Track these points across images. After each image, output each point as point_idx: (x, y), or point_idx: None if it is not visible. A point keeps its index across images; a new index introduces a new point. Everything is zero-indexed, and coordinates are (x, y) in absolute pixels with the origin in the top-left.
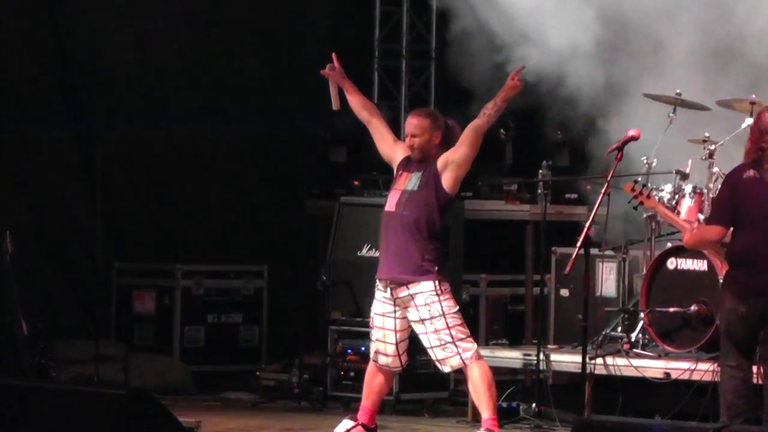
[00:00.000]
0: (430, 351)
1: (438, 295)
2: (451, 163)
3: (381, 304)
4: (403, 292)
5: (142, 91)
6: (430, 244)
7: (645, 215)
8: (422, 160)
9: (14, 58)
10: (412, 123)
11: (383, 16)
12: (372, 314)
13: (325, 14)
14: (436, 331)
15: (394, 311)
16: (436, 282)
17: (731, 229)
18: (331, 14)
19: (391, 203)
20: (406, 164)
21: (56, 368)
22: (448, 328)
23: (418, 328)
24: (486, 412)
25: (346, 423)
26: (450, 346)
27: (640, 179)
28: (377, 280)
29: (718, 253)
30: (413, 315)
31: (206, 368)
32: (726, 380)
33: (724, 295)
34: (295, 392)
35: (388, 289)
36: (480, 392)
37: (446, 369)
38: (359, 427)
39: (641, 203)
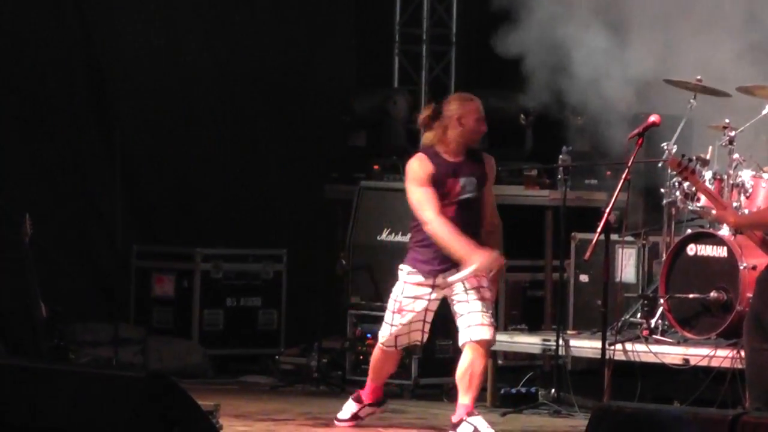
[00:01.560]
0: (474, 315)
1: None
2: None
3: (415, 287)
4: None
5: (162, 74)
6: None
7: (665, 201)
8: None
9: (38, 42)
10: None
11: (404, 1)
12: (401, 298)
13: (348, 3)
14: (484, 299)
15: (430, 294)
16: None
17: None
18: (354, 3)
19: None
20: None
21: (75, 351)
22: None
23: (467, 296)
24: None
25: (351, 405)
26: (490, 316)
27: (685, 155)
28: (421, 268)
29: (755, 235)
30: (459, 288)
31: (225, 352)
32: (764, 362)
33: None
34: (314, 376)
35: (431, 277)
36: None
37: (487, 335)
38: (367, 407)
39: (686, 179)
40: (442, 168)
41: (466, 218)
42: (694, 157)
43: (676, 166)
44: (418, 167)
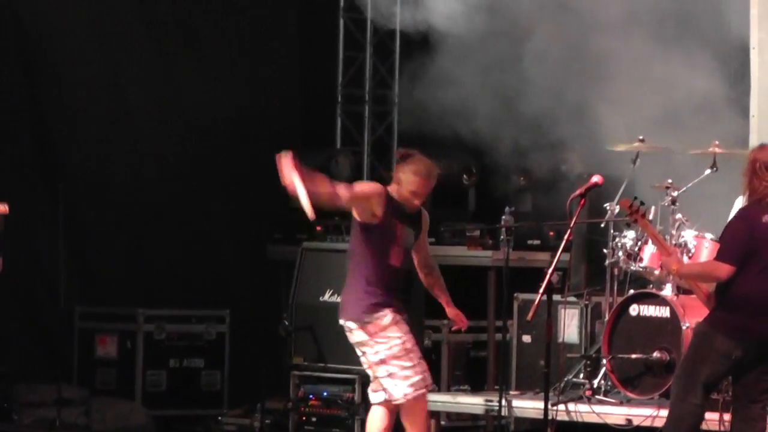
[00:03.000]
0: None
1: None
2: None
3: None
4: None
5: (108, 133)
6: None
7: (608, 261)
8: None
9: None
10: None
11: (346, 61)
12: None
13: (289, 60)
14: None
15: None
16: None
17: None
18: (295, 59)
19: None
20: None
21: (18, 411)
22: None
23: None
24: None
25: None
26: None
27: (637, 197)
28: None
29: (700, 290)
30: None
31: (168, 412)
32: (686, 417)
33: (713, 336)
34: None
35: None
36: None
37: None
38: None
39: (635, 221)
40: (397, 210)
41: (406, 265)
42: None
43: (627, 208)
44: (382, 189)
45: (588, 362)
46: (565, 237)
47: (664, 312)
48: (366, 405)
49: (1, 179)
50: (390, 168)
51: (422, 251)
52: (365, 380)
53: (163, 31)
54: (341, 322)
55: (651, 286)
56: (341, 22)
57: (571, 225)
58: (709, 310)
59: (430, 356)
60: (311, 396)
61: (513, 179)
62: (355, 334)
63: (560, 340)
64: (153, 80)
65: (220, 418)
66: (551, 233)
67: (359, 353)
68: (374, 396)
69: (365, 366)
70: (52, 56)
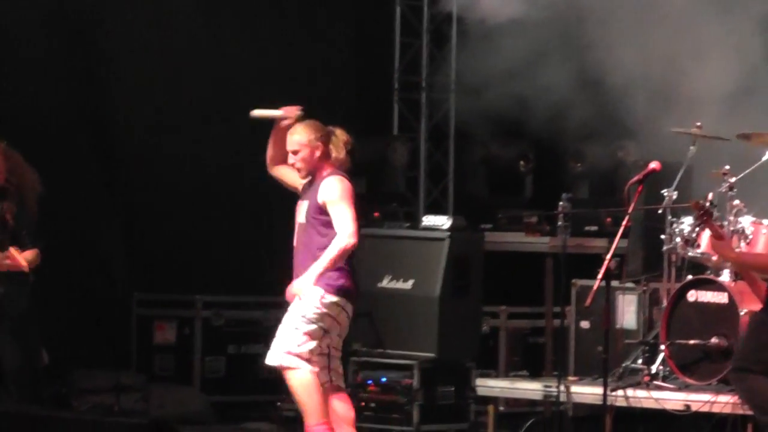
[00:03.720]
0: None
1: None
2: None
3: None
4: None
5: (166, 121)
6: None
7: (665, 247)
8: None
9: (41, 88)
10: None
11: (403, 47)
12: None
13: (345, 46)
14: None
15: None
16: None
17: None
18: (351, 46)
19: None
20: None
21: (76, 398)
22: None
23: None
24: None
25: None
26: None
27: (708, 198)
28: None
29: (754, 281)
30: None
31: (227, 398)
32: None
33: None
34: None
35: None
36: None
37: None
38: None
39: (704, 222)
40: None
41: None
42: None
43: (696, 209)
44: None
45: (646, 348)
46: (623, 223)
47: (721, 298)
48: (425, 391)
49: (57, 167)
50: (447, 155)
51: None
52: (424, 366)
53: (219, 16)
54: None
55: (708, 272)
56: (397, 8)
57: (629, 211)
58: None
59: (488, 342)
60: (370, 382)
61: (570, 165)
62: None
63: (618, 326)
64: (208, 65)
65: (278, 403)
66: (608, 219)
67: None
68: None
69: None
70: (107, 43)
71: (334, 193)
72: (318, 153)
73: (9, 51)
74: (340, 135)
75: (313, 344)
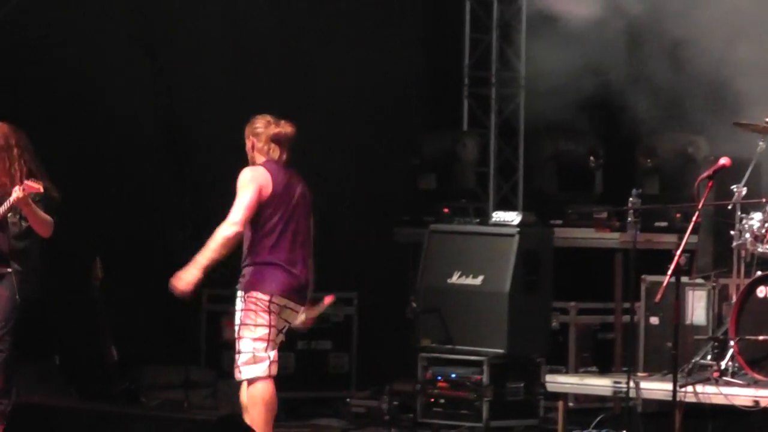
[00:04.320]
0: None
1: None
2: None
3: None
4: None
5: (235, 114)
6: None
7: (735, 243)
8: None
9: (116, 92)
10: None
11: (472, 43)
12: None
13: (415, 42)
14: None
15: None
16: None
17: None
18: (421, 42)
19: None
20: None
21: (146, 394)
22: None
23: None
24: None
25: None
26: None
27: None
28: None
29: None
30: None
31: (296, 395)
32: None
33: None
34: (385, 419)
35: None
36: None
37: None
38: None
39: None
40: None
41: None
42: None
43: None
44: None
45: (715, 344)
46: (693, 219)
47: None
48: (495, 387)
49: (129, 166)
50: (517, 151)
51: None
52: (493, 362)
53: (289, 13)
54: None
55: None
56: (467, 4)
57: (699, 207)
58: None
59: (557, 338)
60: (439, 378)
61: (640, 161)
62: None
63: (688, 321)
64: (278, 64)
65: (348, 400)
66: (678, 215)
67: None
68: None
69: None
70: (180, 44)
71: (239, 182)
72: (249, 145)
73: (92, 62)
74: (264, 128)
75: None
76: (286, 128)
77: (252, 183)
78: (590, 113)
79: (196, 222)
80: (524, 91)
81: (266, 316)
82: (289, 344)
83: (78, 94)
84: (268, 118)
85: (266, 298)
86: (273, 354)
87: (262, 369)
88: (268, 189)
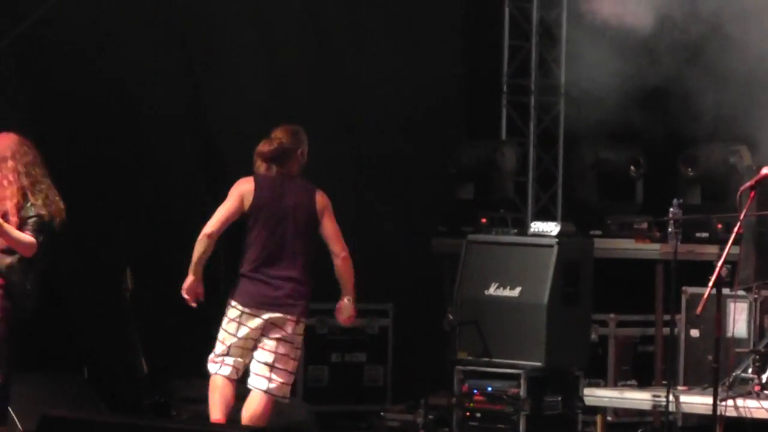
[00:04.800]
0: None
1: None
2: None
3: None
4: None
5: (268, 123)
6: None
7: None
8: None
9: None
10: None
11: (512, 50)
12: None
13: (454, 49)
14: None
15: None
16: None
17: None
18: (460, 49)
19: None
20: None
21: (176, 407)
22: None
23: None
24: None
25: None
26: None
27: None
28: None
29: None
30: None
31: (330, 408)
32: None
33: None
34: None
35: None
36: None
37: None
38: None
39: None
40: None
41: None
42: None
43: None
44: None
45: (757, 357)
46: (735, 230)
47: None
48: (532, 400)
49: (161, 175)
50: (556, 160)
51: None
52: (531, 375)
53: (326, 20)
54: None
55: None
56: (506, 10)
57: (741, 217)
58: None
59: (596, 351)
60: (475, 391)
61: (682, 170)
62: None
63: (729, 334)
64: (312, 72)
65: (382, 413)
66: (720, 226)
67: (289, 344)
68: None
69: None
70: (214, 50)
71: None
72: None
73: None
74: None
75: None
76: (263, 147)
77: (233, 191)
78: (631, 122)
79: (227, 233)
80: (564, 99)
81: (225, 320)
82: (323, 357)
83: (112, 103)
84: (273, 134)
85: (231, 302)
86: (230, 360)
87: (214, 368)
88: (249, 199)
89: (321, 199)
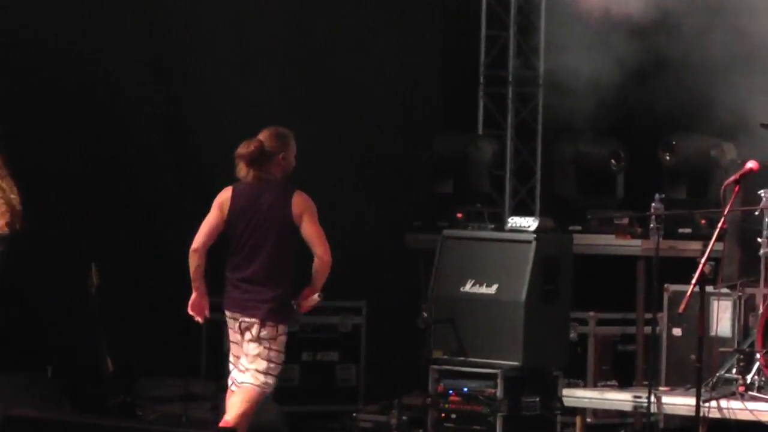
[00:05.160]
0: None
1: None
2: None
3: None
4: None
5: (243, 120)
6: None
7: (762, 251)
8: None
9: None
10: None
11: (489, 40)
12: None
13: (429, 39)
14: None
15: None
16: None
17: None
18: (436, 39)
19: None
20: None
21: (143, 407)
22: None
23: None
24: None
25: None
26: None
27: None
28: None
29: None
30: None
31: (301, 408)
32: None
33: None
34: None
35: None
36: None
37: None
38: None
39: None
40: None
41: None
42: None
43: None
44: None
45: (741, 357)
46: (719, 225)
47: None
48: (509, 401)
49: (131, 166)
50: (534, 153)
51: None
52: (508, 375)
53: (300, 9)
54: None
55: None
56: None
57: (725, 213)
58: None
59: (575, 350)
60: (451, 391)
61: (660, 157)
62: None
63: (712, 333)
64: (288, 65)
65: (355, 414)
66: (703, 221)
67: (259, 345)
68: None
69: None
70: (182, 44)
71: None
72: None
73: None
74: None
75: None
76: (242, 149)
77: (214, 203)
78: (612, 114)
79: (197, 221)
80: (543, 90)
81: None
82: (294, 356)
83: (80, 99)
84: (258, 136)
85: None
86: (233, 369)
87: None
88: (226, 207)
89: (299, 202)
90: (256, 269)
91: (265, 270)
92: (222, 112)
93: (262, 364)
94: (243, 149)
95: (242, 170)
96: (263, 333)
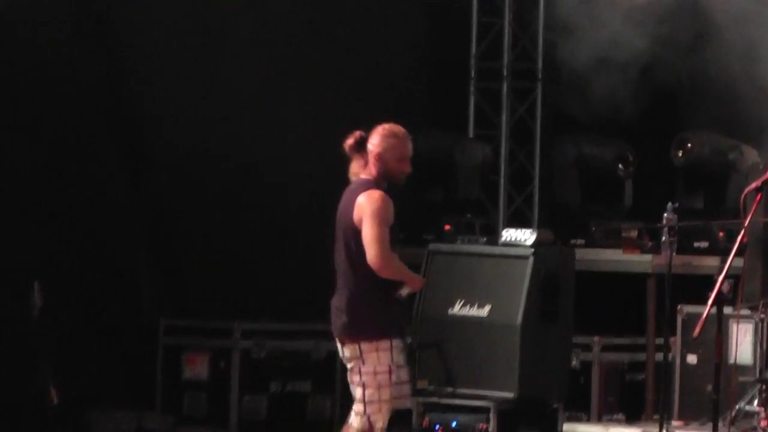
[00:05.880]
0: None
1: None
2: None
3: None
4: None
5: (201, 128)
6: None
7: None
8: None
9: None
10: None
11: (481, 28)
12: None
13: (416, 27)
14: None
15: None
16: None
17: None
18: (423, 27)
19: None
20: None
21: None
22: None
23: None
24: None
25: None
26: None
27: None
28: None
29: None
30: None
31: None
32: None
33: None
34: None
35: None
36: None
37: None
38: None
39: None
40: None
41: None
42: None
43: None
44: (389, 206)
45: (763, 387)
46: (738, 238)
47: None
48: None
49: (76, 175)
50: (532, 156)
51: None
52: (502, 408)
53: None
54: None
55: None
56: None
57: (746, 224)
58: None
59: (578, 379)
60: (438, 426)
61: (672, 156)
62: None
63: (731, 360)
64: (254, 54)
65: None
66: (721, 234)
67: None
68: None
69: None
70: (134, 35)
71: None
72: None
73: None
74: None
75: None
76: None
77: None
78: (620, 112)
79: (153, 242)
80: (542, 84)
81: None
82: (261, 385)
83: (15, 96)
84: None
85: None
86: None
87: None
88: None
89: (361, 203)
90: (341, 285)
91: (344, 288)
92: (175, 112)
93: (358, 391)
94: (348, 140)
95: (353, 167)
96: (347, 353)
